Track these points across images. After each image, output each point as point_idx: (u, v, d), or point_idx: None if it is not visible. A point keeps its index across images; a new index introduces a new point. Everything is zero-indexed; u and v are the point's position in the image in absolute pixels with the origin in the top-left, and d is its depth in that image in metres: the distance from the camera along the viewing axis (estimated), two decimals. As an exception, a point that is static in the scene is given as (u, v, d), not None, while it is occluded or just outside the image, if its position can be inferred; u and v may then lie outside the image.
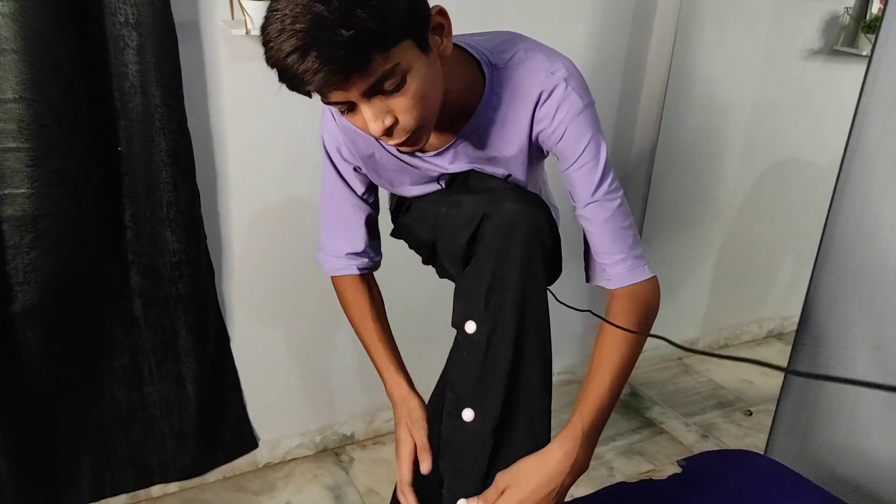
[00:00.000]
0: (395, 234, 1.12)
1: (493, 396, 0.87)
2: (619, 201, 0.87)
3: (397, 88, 0.71)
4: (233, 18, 1.22)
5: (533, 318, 0.87)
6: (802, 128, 1.99)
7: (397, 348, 1.05)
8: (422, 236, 1.01)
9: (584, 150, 0.84)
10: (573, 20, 1.57)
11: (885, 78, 1.09)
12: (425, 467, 0.93)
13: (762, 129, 1.96)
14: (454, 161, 0.91)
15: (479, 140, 0.88)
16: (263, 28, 0.67)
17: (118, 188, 1.23)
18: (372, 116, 0.71)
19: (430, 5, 0.74)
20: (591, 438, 0.84)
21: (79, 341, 1.27)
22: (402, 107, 0.72)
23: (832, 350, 1.23)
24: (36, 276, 1.16)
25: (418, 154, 0.91)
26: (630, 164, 1.77)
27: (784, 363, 1.35)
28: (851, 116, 1.15)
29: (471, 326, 0.87)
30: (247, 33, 1.18)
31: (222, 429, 1.49)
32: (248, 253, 1.41)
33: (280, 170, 1.38)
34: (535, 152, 0.90)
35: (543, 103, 0.83)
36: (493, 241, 0.84)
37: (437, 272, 1.11)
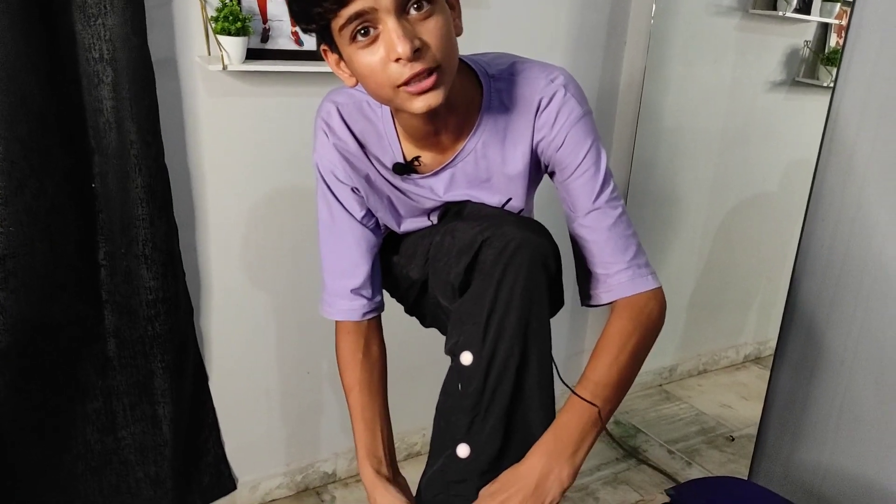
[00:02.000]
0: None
1: (490, 432, 0.83)
2: (621, 209, 0.84)
3: (425, 16, 0.69)
4: (209, 54, 1.22)
5: (536, 349, 0.81)
6: (770, 156, 2.05)
7: (386, 425, 0.97)
8: (412, 274, 0.96)
9: (584, 157, 0.82)
10: (545, 57, 1.60)
11: (849, 104, 1.14)
12: None
13: (732, 158, 2.01)
14: (450, 186, 0.89)
15: (481, 156, 0.86)
16: None
17: (92, 226, 1.20)
18: (401, 34, 0.68)
19: None
20: (567, 445, 0.80)
21: (49, 386, 1.22)
22: (430, 33, 0.70)
23: (817, 362, 1.24)
24: (4, 318, 1.12)
25: (413, 177, 0.89)
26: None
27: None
28: (817, 142, 1.19)
29: (466, 358, 0.82)
30: (224, 69, 1.19)
31: (200, 471, 1.44)
32: (226, 289, 1.39)
33: (258, 205, 1.37)
34: (535, 168, 0.88)
35: (543, 110, 0.82)
36: (494, 268, 0.79)
37: (423, 320, 1.06)
